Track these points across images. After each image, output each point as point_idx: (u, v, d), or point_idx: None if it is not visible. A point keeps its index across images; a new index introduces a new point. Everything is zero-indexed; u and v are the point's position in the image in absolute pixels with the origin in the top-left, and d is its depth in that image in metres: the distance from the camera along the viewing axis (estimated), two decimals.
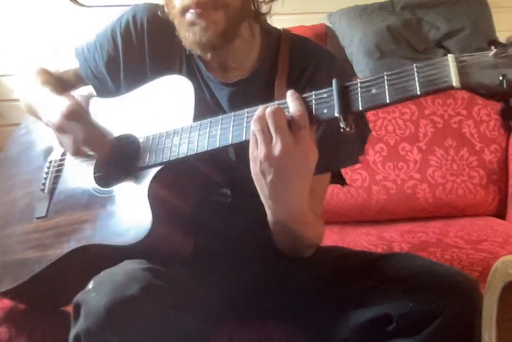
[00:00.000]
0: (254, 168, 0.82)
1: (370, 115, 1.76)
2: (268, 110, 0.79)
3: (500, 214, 1.77)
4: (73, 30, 1.91)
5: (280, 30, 1.09)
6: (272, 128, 0.78)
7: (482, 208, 1.75)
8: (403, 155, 1.75)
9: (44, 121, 1.06)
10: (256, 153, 0.80)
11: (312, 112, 0.79)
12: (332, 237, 1.58)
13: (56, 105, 1.03)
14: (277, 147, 0.78)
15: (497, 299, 0.72)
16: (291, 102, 0.80)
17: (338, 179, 1.09)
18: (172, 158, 0.90)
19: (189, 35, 0.95)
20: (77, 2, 1.95)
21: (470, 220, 1.69)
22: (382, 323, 0.88)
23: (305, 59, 1.03)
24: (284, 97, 0.82)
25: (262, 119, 0.79)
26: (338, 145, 0.99)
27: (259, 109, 0.80)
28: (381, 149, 1.75)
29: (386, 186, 1.72)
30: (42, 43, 1.95)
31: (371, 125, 1.74)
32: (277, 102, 0.82)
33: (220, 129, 0.86)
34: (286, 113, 0.80)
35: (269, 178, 0.81)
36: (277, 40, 1.06)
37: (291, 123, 0.78)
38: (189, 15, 0.93)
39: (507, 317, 0.73)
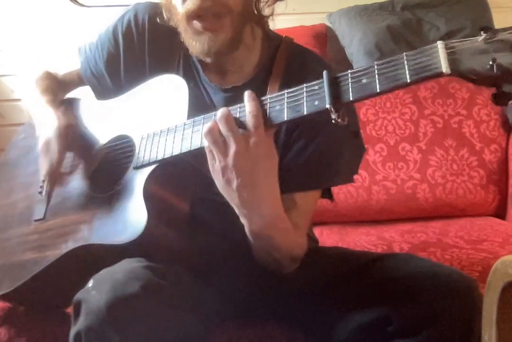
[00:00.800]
0: (219, 182, 0.83)
1: (370, 115, 1.76)
2: (218, 115, 0.81)
3: (500, 214, 1.76)
4: (73, 30, 1.91)
5: (281, 37, 1.07)
6: (225, 132, 0.80)
7: (482, 208, 1.75)
8: (403, 155, 1.75)
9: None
10: (216, 166, 0.81)
11: (268, 115, 0.80)
12: (332, 237, 1.58)
13: (46, 128, 1.04)
14: (232, 150, 0.79)
15: (497, 299, 0.73)
16: (248, 103, 0.81)
17: (327, 194, 1.08)
18: (166, 156, 0.90)
19: (196, 44, 0.94)
20: (77, 2, 1.96)
21: (470, 220, 1.68)
22: (382, 324, 0.88)
23: (303, 72, 1.00)
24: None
25: (213, 131, 0.80)
26: (330, 163, 0.99)
27: (209, 123, 0.81)
28: (381, 149, 1.75)
29: (386, 186, 1.72)
30: (42, 43, 1.95)
31: (371, 125, 1.75)
32: (238, 105, 0.83)
33: None
34: (239, 113, 0.82)
35: (234, 184, 0.81)
36: (275, 48, 1.04)
37: (246, 123, 0.80)
38: (196, 25, 0.93)
39: (507, 317, 0.73)
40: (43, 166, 1.02)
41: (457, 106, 1.78)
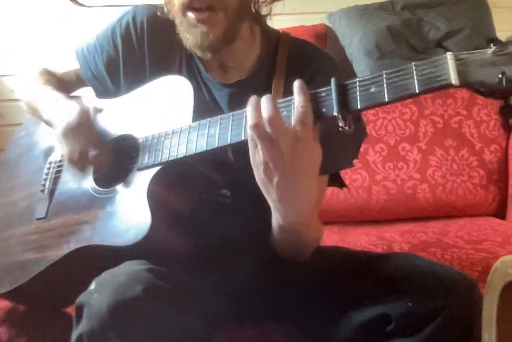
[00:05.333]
0: (259, 174, 0.80)
1: (370, 115, 1.76)
2: (265, 116, 0.76)
3: (500, 214, 1.77)
4: (73, 30, 1.91)
5: (279, 32, 1.09)
6: (273, 132, 0.76)
7: (482, 208, 1.75)
8: (403, 155, 1.75)
9: (44, 120, 1.06)
10: (258, 158, 0.79)
11: (316, 110, 0.77)
12: (332, 237, 1.58)
13: (64, 111, 1.02)
14: (279, 149, 0.76)
15: (497, 299, 0.73)
16: (298, 96, 0.77)
17: (337, 182, 1.08)
18: (171, 158, 0.90)
19: (189, 37, 0.95)
20: (77, 2, 1.96)
21: (470, 220, 1.69)
22: (382, 323, 0.88)
23: (304, 61, 1.02)
24: (281, 97, 0.81)
25: (259, 125, 0.76)
26: (332, 149, 0.99)
27: (252, 114, 0.77)
28: (381, 149, 1.75)
29: (386, 186, 1.72)
30: (42, 43, 1.95)
31: (371, 125, 1.75)
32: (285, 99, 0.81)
33: (219, 129, 0.86)
34: (286, 108, 0.79)
35: (275, 180, 0.79)
36: (276, 42, 1.06)
37: (294, 120, 0.76)
38: (190, 17, 0.93)
39: (507, 317, 0.73)
40: (66, 150, 1.00)
41: (457, 106, 1.78)
